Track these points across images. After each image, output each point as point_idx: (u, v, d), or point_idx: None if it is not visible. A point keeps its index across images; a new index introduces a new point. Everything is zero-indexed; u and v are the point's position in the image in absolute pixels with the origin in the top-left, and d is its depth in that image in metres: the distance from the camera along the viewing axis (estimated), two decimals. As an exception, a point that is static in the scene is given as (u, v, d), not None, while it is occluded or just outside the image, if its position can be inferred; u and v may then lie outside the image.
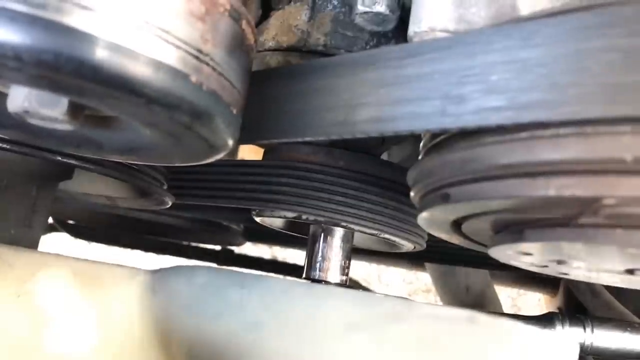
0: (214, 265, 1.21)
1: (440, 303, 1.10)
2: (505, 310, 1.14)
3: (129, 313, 0.40)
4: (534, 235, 0.36)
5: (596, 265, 0.41)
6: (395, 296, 0.43)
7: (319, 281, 0.63)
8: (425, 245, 0.66)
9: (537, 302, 1.82)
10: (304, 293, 0.37)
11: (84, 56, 0.26)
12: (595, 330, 0.70)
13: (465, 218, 0.41)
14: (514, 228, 0.39)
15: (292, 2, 0.54)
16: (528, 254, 0.41)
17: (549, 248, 0.38)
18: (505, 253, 0.42)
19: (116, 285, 0.41)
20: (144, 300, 0.40)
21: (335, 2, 0.52)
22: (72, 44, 0.26)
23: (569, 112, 0.28)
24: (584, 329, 0.71)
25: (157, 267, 0.43)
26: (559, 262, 0.41)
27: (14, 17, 0.25)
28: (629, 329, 0.71)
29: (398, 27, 0.48)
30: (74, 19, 0.26)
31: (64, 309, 0.39)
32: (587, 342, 0.70)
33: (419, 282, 2.17)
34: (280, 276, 1.23)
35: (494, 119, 0.30)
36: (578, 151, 0.29)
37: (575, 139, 0.29)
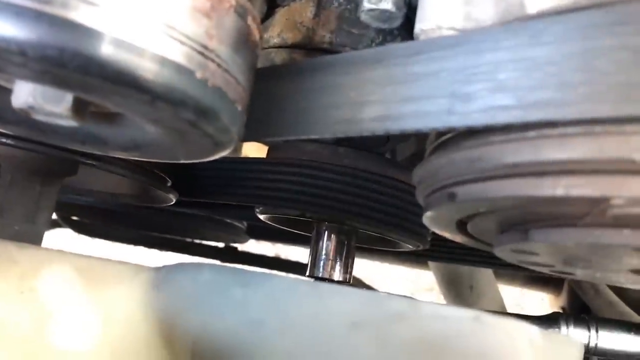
0: (218, 262, 1.21)
1: (444, 301, 1.09)
2: (509, 309, 1.14)
3: (133, 310, 0.40)
4: (540, 235, 0.36)
5: (602, 266, 0.40)
6: (399, 295, 0.42)
7: (322, 279, 0.63)
8: (428, 244, 0.66)
9: (541, 301, 1.82)
10: (308, 291, 0.37)
11: (88, 52, 0.26)
12: (599, 330, 0.70)
13: (471, 217, 0.40)
14: (519, 227, 0.39)
15: (297, -1, 0.54)
16: (534, 254, 0.41)
17: (555, 248, 0.38)
18: (511, 253, 0.42)
19: (120, 282, 0.41)
20: (148, 297, 0.40)
21: (341, -1, 0.52)
22: (77, 40, 0.26)
23: (577, 111, 0.28)
24: (589, 329, 0.70)
25: (161, 264, 0.43)
26: (565, 262, 0.41)
27: (19, 12, 0.25)
28: (633, 329, 0.71)
29: (404, 25, 0.47)
30: (79, 15, 0.26)
31: (68, 305, 0.39)
32: (592, 343, 0.70)
33: (422, 280, 2.17)
34: (284, 274, 1.23)
35: (501, 118, 0.30)
36: (586, 151, 0.29)
37: (584, 138, 0.29)
